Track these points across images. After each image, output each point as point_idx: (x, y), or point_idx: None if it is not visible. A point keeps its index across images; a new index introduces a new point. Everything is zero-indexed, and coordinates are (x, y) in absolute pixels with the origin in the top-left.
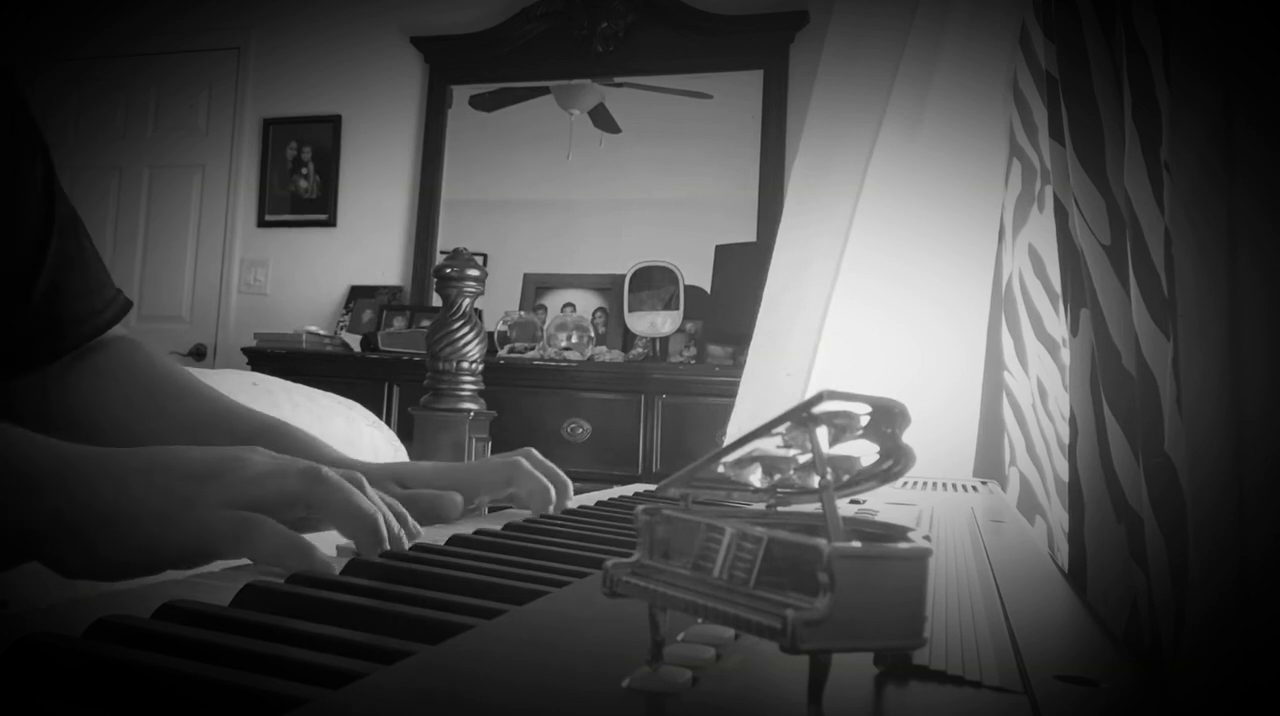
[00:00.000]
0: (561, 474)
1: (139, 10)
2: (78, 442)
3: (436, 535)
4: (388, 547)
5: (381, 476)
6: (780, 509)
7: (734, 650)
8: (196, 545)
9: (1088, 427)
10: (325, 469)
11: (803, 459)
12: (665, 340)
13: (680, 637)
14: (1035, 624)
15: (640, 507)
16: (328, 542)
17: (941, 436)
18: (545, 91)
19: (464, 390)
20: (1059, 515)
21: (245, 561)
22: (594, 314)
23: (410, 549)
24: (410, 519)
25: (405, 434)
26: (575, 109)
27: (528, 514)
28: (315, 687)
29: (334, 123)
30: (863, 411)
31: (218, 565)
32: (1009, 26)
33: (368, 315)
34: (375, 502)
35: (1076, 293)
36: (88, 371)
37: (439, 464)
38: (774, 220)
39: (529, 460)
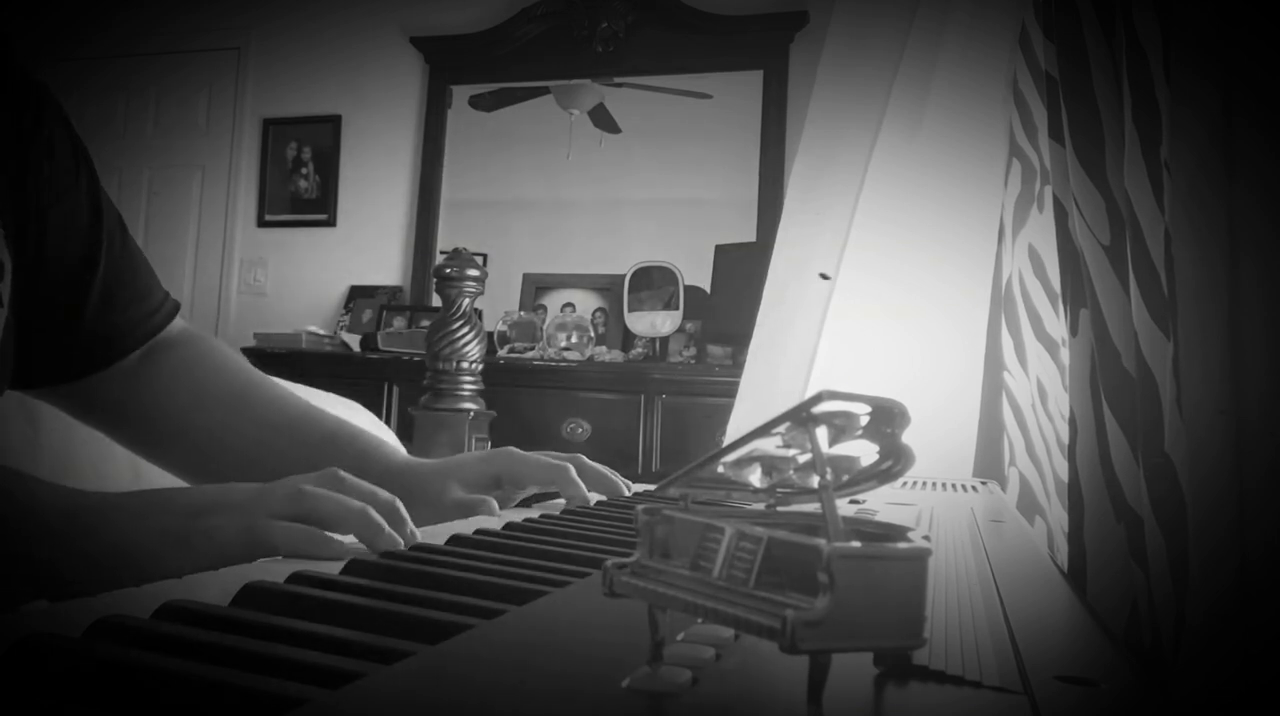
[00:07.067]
0: (615, 477)
1: (139, 10)
2: (156, 437)
3: (436, 535)
4: (386, 531)
5: (439, 475)
6: (780, 509)
7: (734, 650)
8: (210, 561)
9: (1088, 427)
10: (305, 486)
11: (803, 459)
12: (665, 340)
13: (680, 637)
14: (1035, 624)
15: (640, 507)
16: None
17: (941, 436)
18: (545, 91)
19: (464, 390)
20: (1059, 515)
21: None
22: (594, 314)
23: (410, 549)
24: (400, 506)
25: (405, 434)
26: (575, 109)
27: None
28: (315, 687)
29: (334, 123)
30: (862, 411)
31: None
32: (1009, 27)
33: (368, 315)
34: (361, 495)
35: (1076, 293)
36: (156, 371)
37: (486, 454)
38: (774, 220)
39: (578, 465)
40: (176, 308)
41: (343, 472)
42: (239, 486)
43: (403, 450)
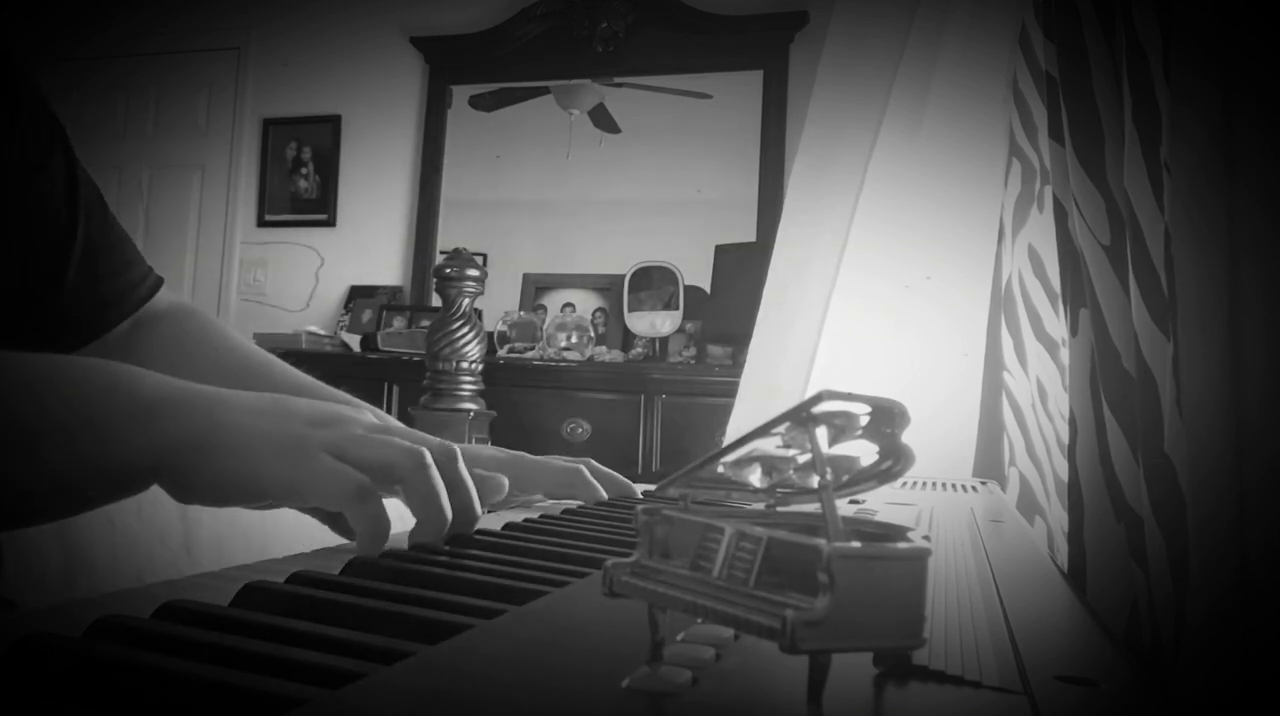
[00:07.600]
0: (624, 480)
1: (139, 10)
2: None
3: None
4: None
5: None
6: (780, 509)
7: (734, 650)
8: (304, 484)
9: (1088, 428)
10: (429, 456)
11: (802, 459)
12: (665, 340)
13: (680, 637)
14: (1035, 624)
15: (640, 507)
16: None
17: (941, 436)
18: (545, 91)
19: (464, 390)
20: (1059, 515)
21: (239, 560)
22: (594, 314)
23: (409, 548)
24: (476, 506)
25: None
26: (575, 109)
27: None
28: (315, 687)
29: (334, 123)
30: (862, 411)
31: (226, 558)
32: (1009, 27)
33: (367, 315)
34: (461, 494)
35: (1076, 293)
36: (149, 340)
37: (504, 453)
38: (774, 220)
39: (589, 468)
40: (160, 281)
41: (461, 457)
42: (367, 416)
43: None
